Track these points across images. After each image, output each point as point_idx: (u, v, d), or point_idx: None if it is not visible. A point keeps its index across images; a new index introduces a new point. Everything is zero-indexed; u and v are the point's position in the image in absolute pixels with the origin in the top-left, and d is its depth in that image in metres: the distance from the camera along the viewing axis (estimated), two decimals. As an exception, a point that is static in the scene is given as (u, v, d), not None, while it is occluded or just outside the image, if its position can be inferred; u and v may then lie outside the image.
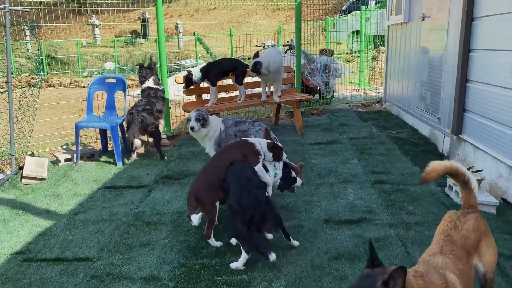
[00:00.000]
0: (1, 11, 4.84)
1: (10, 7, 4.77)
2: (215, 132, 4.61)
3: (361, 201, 4.08)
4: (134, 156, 5.49)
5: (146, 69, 5.83)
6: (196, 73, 5.90)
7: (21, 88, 9.02)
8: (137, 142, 5.26)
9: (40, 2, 6.77)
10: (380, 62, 11.79)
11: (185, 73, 6.02)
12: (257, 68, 5.81)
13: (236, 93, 6.54)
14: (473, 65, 4.65)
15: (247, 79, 6.38)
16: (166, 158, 5.41)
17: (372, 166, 4.99)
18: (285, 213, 3.81)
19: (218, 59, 6.88)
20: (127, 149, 5.75)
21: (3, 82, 11.30)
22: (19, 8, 5.14)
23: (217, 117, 4.84)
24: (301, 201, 4.10)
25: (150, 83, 5.77)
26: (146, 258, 3.18)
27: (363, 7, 10.96)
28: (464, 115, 4.85)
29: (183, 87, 6.01)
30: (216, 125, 4.64)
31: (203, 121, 4.46)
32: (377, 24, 10.76)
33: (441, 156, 5.37)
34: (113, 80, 5.86)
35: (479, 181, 4.07)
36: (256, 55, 6.10)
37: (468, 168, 4.18)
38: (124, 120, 5.68)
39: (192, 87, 6.01)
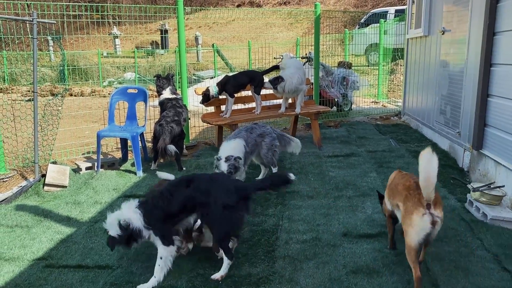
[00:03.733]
0: (29, 23, 5.00)
1: (38, 20, 4.93)
2: (241, 155, 4.50)
3: (380, 214, 4.04)
4: (154, 165, 5.56)
5: (163, 79, 5.96)
6: (213, 87, 6.00)
7: (44, 97, 9.25)
8: (171, 147, 5.32)
9: (64, 14, 6.96)
10: (398, 75, 11.74)
11: (205, 84, 6.13)
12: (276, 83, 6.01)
13: (253, 104, 6.61)
14: (494, 79, 4.61)
15: (267, 90, 6.46)
16: (184, 168, 5.46)
17: (391, 179, 4.95)
18: (303, 226, 3.81)
19: (235, 73, 7.03)
20: (147, 159, 5.84)
21: (27, 91, 11.63)
22: (46, 20, 5.29)
23: (237, 141, 4.61)
24: (319, 214, 4.10)
25: (167, 93, 5.87)
26: (165, 267, 3.21)
27: (382, 20, 10.96)
28: (485, 129, 4.79)
29: (200, 102, 6.13)
30: (240, 150, 4.54)
31: (235, 170, 4.30)
32: (396, 37, 10.74)
33: (461, 171, 5.30)
34: (135, 91, 5.97)
35: (500, 197, 4.02)
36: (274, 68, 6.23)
37: (489, 184, 4.17)
38: (144, 130, 5.79)
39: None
